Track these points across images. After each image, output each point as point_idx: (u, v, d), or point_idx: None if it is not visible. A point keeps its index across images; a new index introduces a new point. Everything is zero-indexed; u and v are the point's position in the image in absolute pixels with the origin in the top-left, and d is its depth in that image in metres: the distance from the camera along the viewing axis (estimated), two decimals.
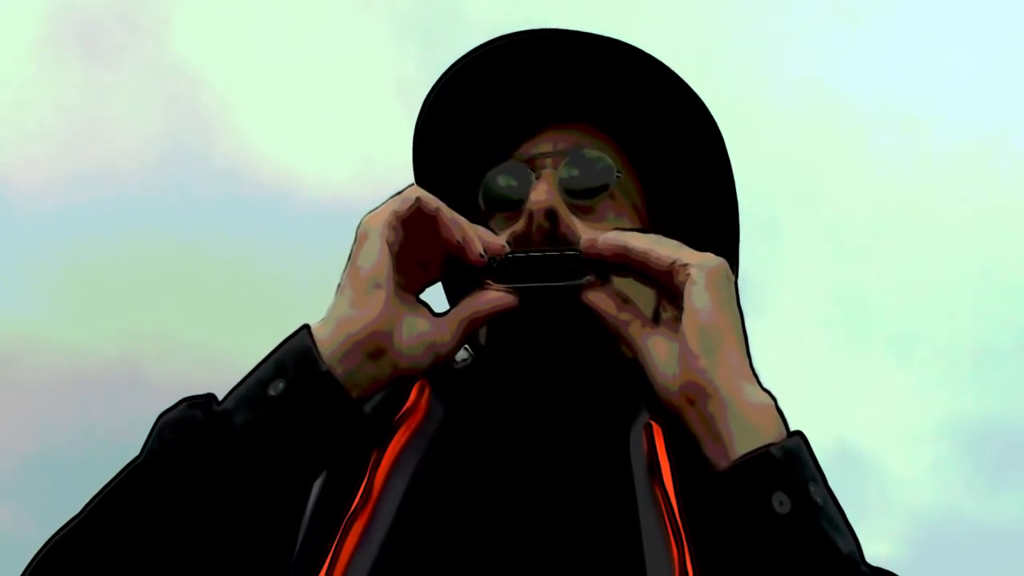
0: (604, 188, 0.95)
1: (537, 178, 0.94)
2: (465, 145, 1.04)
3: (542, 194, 0.91)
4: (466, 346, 0.93)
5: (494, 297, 0.85)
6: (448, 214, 0.81)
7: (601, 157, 0.96)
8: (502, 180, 0.97)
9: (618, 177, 0.96)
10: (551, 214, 0.90)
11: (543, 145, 0.98)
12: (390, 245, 0.79)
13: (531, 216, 0.91)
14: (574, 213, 0.93)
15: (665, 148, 1.03)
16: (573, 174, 0.95)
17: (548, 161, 0.96)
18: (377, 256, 0.78)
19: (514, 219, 0.94)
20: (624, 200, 0.98)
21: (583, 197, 0.94)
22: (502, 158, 1.00)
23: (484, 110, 1.03)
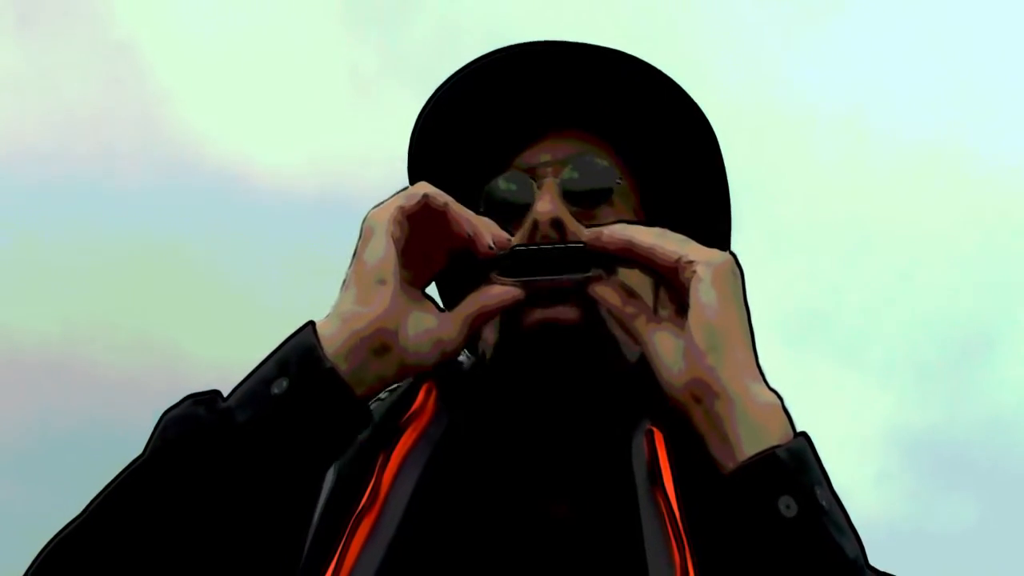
0: (606, 193, 0.94)
1: (539, 187, 0.93)
2: (463, 155, 1.02)
3: (547, 204, 0.89)
4: (466, 352, 0.93)
5: (500, 291, 0.84)
6: (456, 208, 0.81)
7: (601, 163, 0.95)
8: (503, 189, 0.95)
9: (619, 183, 0.95)
10: (557, 223, 0.89)
11: (543, 154, 0.96)
12: (396, 241, 0.78)
13: (535, 226, 0.89)
14: (577, 220, 0.91)
15: (663, 156, 1.02)
16: (574, 179, 0.93)
17: (549, 170, 0.94)
18: (383, 252, 0.77)
19: (517, 228, 0.92)
20: (624, 206, 0.96)
21: (585, 203, 0.93)
22: (501, 167, 0.98)
23: (482, 120, 1.01)
